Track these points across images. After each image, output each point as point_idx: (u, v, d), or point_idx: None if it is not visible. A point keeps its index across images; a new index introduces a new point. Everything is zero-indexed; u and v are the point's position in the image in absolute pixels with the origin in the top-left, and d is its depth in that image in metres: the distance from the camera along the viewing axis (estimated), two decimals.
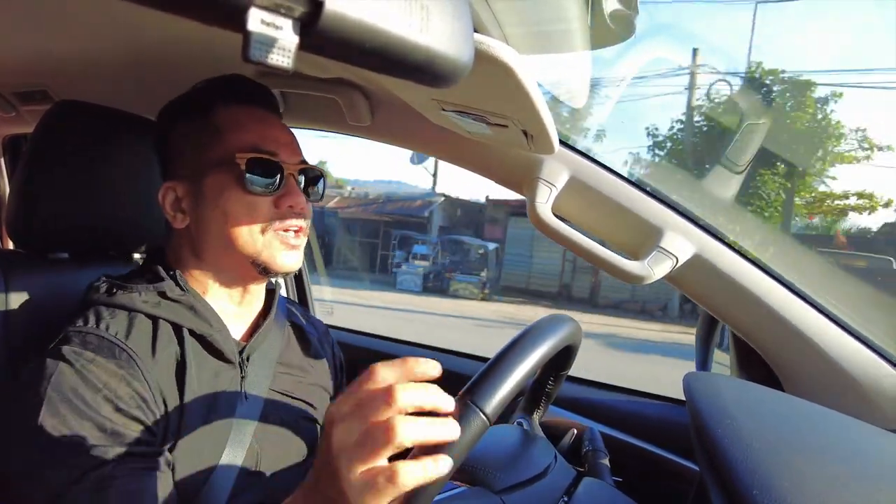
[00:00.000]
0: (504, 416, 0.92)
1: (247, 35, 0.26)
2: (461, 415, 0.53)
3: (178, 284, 0.78)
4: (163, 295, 0.76)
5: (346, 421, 0.47)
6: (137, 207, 0.96)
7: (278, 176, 0.77)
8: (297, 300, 1.64)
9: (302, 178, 0.81)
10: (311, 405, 0.90)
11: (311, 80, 1.02)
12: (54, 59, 1.10)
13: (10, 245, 1.02)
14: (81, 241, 0.93)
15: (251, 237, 0.76)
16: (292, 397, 0.87)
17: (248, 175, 0.75)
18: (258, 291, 0.86)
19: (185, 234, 0.80)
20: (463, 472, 0.62)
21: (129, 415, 0.66)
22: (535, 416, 0.93)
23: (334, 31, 0.28)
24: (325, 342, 1.01)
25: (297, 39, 0.27)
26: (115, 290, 0.75)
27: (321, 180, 0.85)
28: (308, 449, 0.89)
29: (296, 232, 0.79)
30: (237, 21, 0.26)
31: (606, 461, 0.92)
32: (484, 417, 0.54)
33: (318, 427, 0.93)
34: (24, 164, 0.89)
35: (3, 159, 1.76)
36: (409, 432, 0.45)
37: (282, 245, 0.78)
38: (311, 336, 0.97)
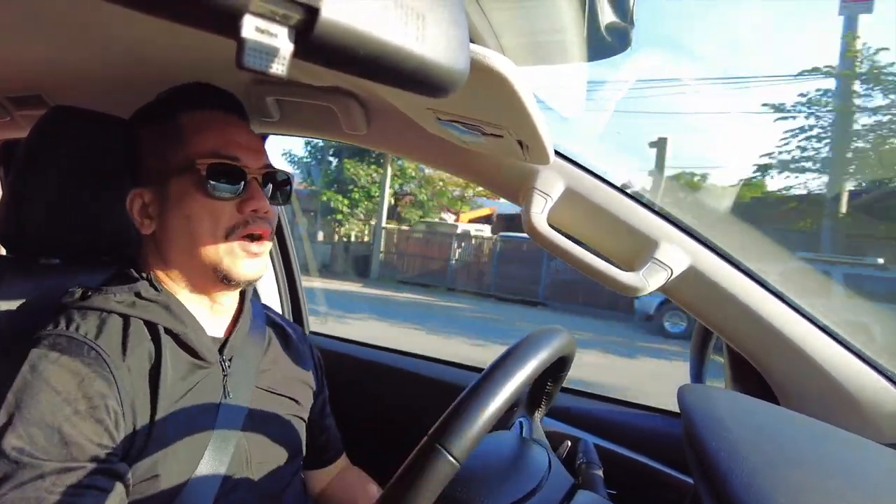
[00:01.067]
0: (504, 418, 0.91)
1: (241, 42, 0.26)
2: (428, 459, 0.53)
3: (152, 285, 0.78)
4: (138, 295, 0.76)
5: None
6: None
7: (241, 181, 0.77)
8: (290, 309, 1.63)
9: (269, 185, 0.81)
10: (295, 401, 0.91)
11: (306, 87, 1.02)
12: (49, 65, 1.10)
13: (2, 250, 1.02)
14: (73, 247, 0.93)
15: (213, 243, 0.76)
16: (277, 394, 0.87)
17: (209, 180, 0.75)
18: (228, 299, 0.85)
19: (152, 239, 0.80)
20: (446, 499, 0.61)
21: (89, 418, 0.65)
22: (536, 415, 0.93)
23: (329, 40, 0.27)
24: (303, 342, 1.01)
25: (291, 47, 0.27)
26: (89, 294, 0.75)
27: (288, 184, 0.86)
28: (295, 444, 0.89)
29: (258, 239, 0.78)
30: (231, 28, 0.26)
31: (600, 473, 0.91)
32: (452, 460, 0.53)
33: (304, 423, 0.93)
34: (18, 169, 0.88)
35: None
36: None
37: (243, 252, 0.77)
38: (290, 336, 0.97)
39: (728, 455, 0.53)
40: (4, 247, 0.89)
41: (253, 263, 0.79)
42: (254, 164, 0.79)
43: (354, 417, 1.27)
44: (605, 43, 0.85)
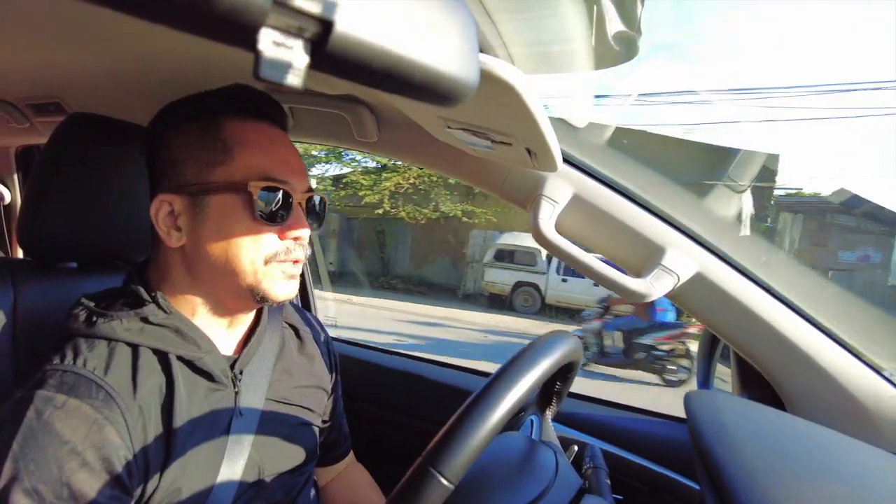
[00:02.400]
0: (513, 420, 0.91)
1: (258, 54, 0.27)
2: (421, 483, 0.53)
3: (160, 307, 0.73)
4: (145, 321, 0.72)
5: None
6: (147, 219, 0.97)
7: (289, 206, 0.74)
8: (299, 303, 1.64)
9: (309, 208, 0.79)
10: (308, 409, 0.89)
11: (319, 96, 1.04)
12: (67, 72, 1.12)
13: (20, 253, 1.04)
14: (90, 252, 0.94)
15: (252, 266, 0.72)
16: (289, 404, 0.86)
17: (258, 203, 0.71)
18: (250, 315, 0.83)
19: (179, 253, 0.75)
20: None
21: (98, 470, 0.63)
22: (546, 414, 0.93)
23: (344, 52, 0.28)
24: (320, 339, 0.99)
25: (307, 59, 0.28)
26: (94, 319, 0.71)
27: (325, 206, 0.83)
28: (308, 452, 0.88)
29: (295, 262, 0.76)
30: (249, 41, 0.27)
31: (607, 478, 0.91)
32: (445, 482, 0.53)
33: (317, 430, 0.92)
34: (37, 175, 0.90)
35: (15, 169, 1.79)
36: None
37: (282, 275, 0.75)
38: (306, 335, 0.95)
39: (735, 461, 0.53)
40: (24, 250, 0.91)
41: (290, 285, 0.76)
42: (299, 188, 0.76)
43: (364, 420, 1.28)
44: (613, 52, 0.85)
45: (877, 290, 12.18)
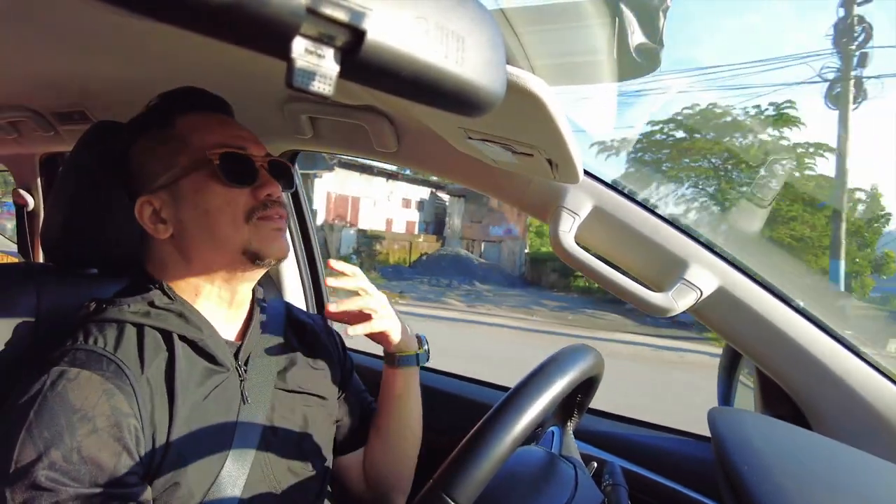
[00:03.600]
0: (535, 432, 0.90)
1: (290, 62, 0.27)
2: None
3: (165, 293, 0.78)
4: (151, 304, 0.76)
5: None
6: None
7: (252, 168, 0.79)
8: (314, 302, 1.63)
9: (274, 172, 0.82)
10: (320, 397, 0.90)
11: (338, 106, 1.04)
12: (93, 82, 1.15)
13: (41, 258, 1.05)
14: (111, 258, 0.95)
15: (236, 228, 0.76)
16: (299, 392, 0.87)
17: (223, 169, 0.76)
18: (248, 290, 0.86)
19: (170, 242, 0.80)
20: None
21: (108, 437, 0.65)
22: (568, 426, 0.91)
23: (374, 61, 0.28)
24: (324, 331, 1.00)
25: (338, 68, 0.28)
26: (104, 306, 0.76)
27: (291, 171, 0.87)
28: (321, 442, 0.88)
29: (278, 218, 0.80)
30: (282, 49, 0.27)
31: (627, 497, 0.90)
32: None
33: (331, 417, 0.93)
34: (61, 182, 0.92)
35: (40, 176, 1.83)
36: None
37: (269, 230, 0.78)
38: (309, 328, 0.96)
39: (762, 481, 0.52)
40: (46, 255, 0.92)
41: (280, 240, 0.80)
42: (258, 153, 0.81)
43: None
44: (635, 63, 0.85)
45: (517, 255, 20.88)
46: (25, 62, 1.08)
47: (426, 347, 0.96)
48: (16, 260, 2.52)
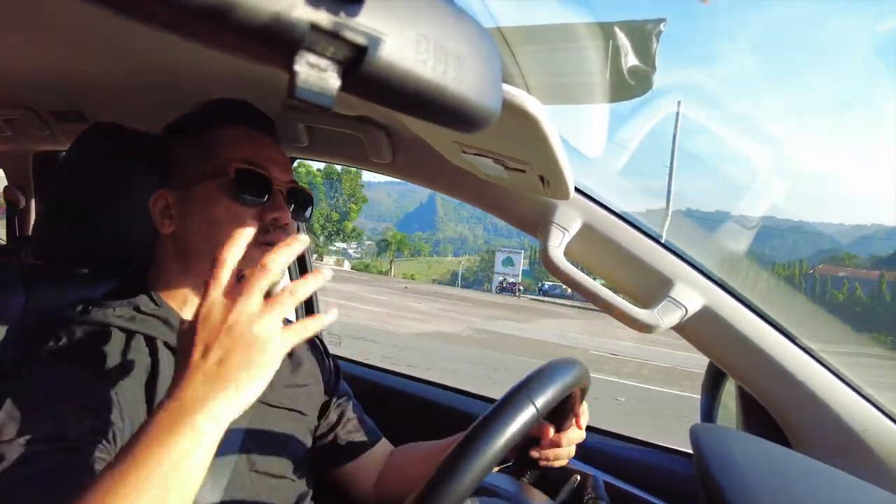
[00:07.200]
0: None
1: (293, 75, 0.28)
2: None
3: (152, 299, 0.78)
4: (137, 309, 0.76)
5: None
6: None
7: (267, 189, 0.79)
8: (303, 309, 1.63)
9: (292, 200, 0.83)
10: (299, 412, 0.90)
11: (335, 116, 1.06)
12: (92, 83, 1.15)
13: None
14: (102, 258, 0.95)
15: None
16: (279, 407, 0.86)
17: (236, 185, 0.77)
18: None
19: (171, 240, 0.81)
20: None
21: (88, 411, 0.64)
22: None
23: (375, 77, 0.29)
24: (308, 345, 0.99)
25: (339, 82, 0.29)
26: (89, 308, 0.76)
27: (310, 202, 0.87)
28: (299, 457, 0.88)
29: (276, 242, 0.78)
30: (286, 62, 0.28)
31: None
32: None
33: (309, 434, 0.92)
34: (56, 182, 0.91)
35: (32, 175, 1.82)
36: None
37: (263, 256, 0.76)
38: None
39: (741, 496, 0.53)
40: (37, 254, 0.92)
41: None
42: (281, 178, 0.81)
43: None
44: (628, 85, 0.87)
45: None
46: (25, 61, 1.09)
47: None
48: None
